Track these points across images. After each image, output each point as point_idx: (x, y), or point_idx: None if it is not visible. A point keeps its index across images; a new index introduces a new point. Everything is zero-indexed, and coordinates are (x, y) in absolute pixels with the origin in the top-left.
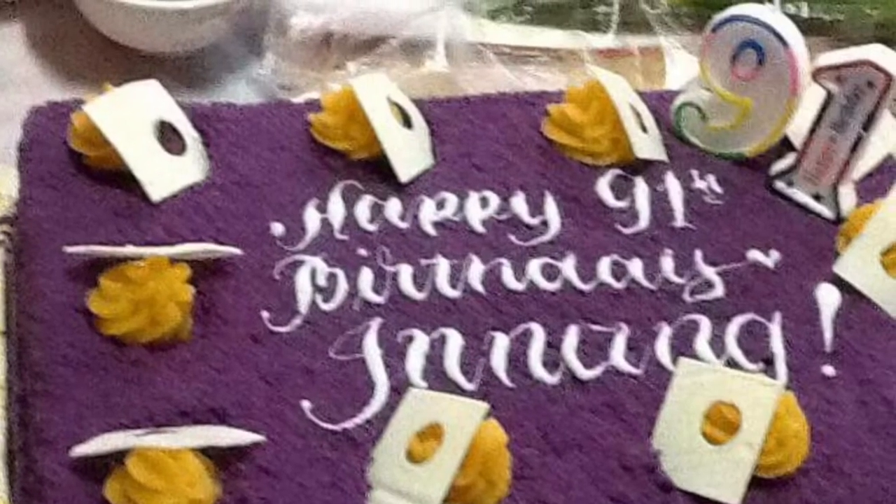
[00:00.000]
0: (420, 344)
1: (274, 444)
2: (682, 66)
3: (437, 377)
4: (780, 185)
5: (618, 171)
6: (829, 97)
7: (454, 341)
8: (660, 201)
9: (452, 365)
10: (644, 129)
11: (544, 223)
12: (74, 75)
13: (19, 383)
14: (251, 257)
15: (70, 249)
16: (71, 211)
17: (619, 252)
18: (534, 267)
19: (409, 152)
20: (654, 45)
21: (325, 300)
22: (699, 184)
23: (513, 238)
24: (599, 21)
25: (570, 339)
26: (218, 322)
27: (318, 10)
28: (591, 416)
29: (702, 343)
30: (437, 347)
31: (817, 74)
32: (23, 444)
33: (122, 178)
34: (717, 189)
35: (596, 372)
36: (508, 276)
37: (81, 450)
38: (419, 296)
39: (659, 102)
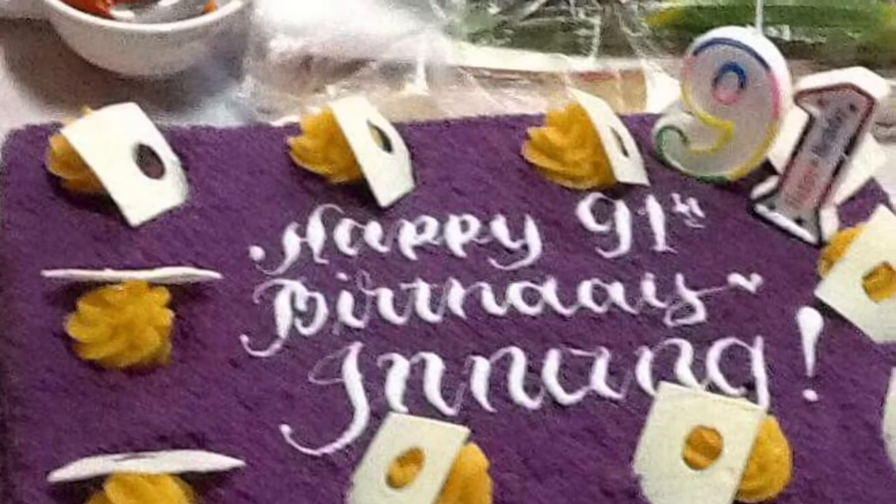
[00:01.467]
0: (400, 368)
1: (253, 469)
2: (664, 89)
3: (417, 402)
4: (761, 208)
5: (598, 195)
6: (811, 120)
7: (434, 366)
8: (641, 225)
9: (433, 389)
10: (625, 153)
11: (525, 247)
12: (53, 98)
13: None
14: (230, 281)
15: (48, 273)
16: (49, 235)
17: (599, 276)
18: (514, 291)
19: (388, 176)
20: (635, 69)
21: (305, 324)
22: (680, 207)
23: (493, 262)
24: (580, 44)
25: (551, 363)
26: (197, 346)
27: (298, 34)
28: (571, 440)
29: (683, 367)
30: (418, 372)
31: (799, 98)
32: (1, 468)
33: (100, 202)
34: (699, 213)
35: (577, 396)
36: (489, 301)
37: (60, 475)
38: (399, 320)
39: (640, 126)
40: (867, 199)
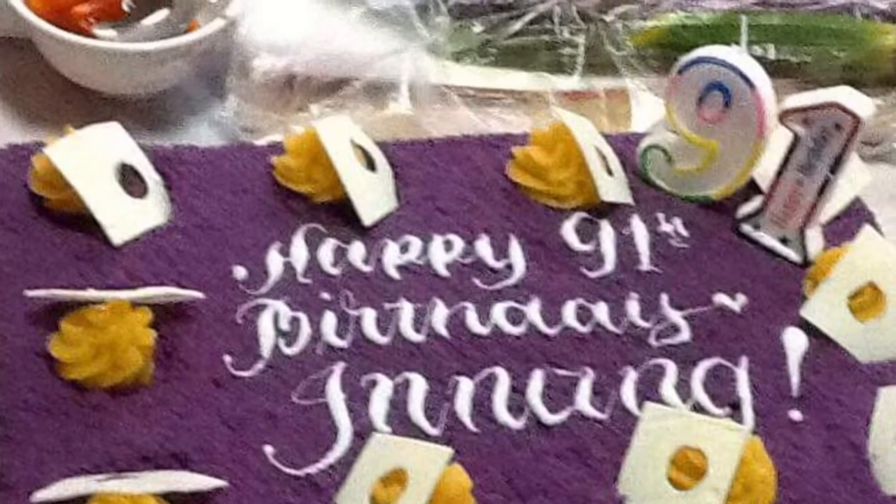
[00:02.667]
0: (384, 388)
1: (236, 489)
2: (648, 108)
3: (400, 422)
4: (746, 228)
5: (583, 215)
6: (796, 140)
7: (418, 386)
8: (625, 245)
9: (416, 409)
10: (610, 172)
11: (509, 267)
12: (35, 118)
13: None
14: (213, 301)
15: (31, 293)
16: (32, 254)
17: (584, 296)
18: (498, 311)
19: (372, 195)
20: (619, 88)
21: (288, 344)
22: (665, 227)
23: (477, 282)
24: (565, 63)
25: (535, 383)
26: (180, 366)
27: (281, 52)
28: (556, 461)
29: (668, 387)
30: (401, 392)
31: (784, 117)
32: None
33: (83, 222)
34: (684, 232)
35: (561, 417)
36: (473, 320)
37: (42, 495)
38: (383, 340)
39: (625, 145)
40: (852, 219)
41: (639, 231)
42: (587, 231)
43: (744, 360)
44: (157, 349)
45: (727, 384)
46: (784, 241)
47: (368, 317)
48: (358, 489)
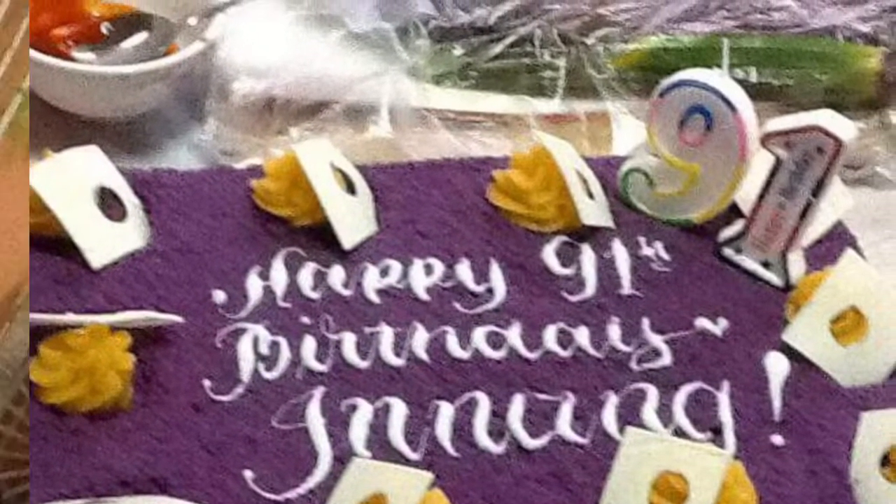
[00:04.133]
0: (364, 413)
1: None
2: (629, 131)
3: (381, 446)
4: (728, 252)
5: (564, 238)
6: (778, 163)
7: (398, 410)
8: (606, 268)
9: (396, 434)
10: (590, 196)
11: (489, 291)
12: None
13: None
14: (193, 325)
15: None
16: None
17: (565, 320)
18: (479, 335)
19: (352, 219)
20: (600, 111)
21: (268, 369)
22: (646, 251)
23: (458, 306)
24: (545, 86)
25: (516, 408)
26: (159, 391)
27: (261, 75)
28: (536, 486)
29: (649, 412)
30: (381, 416)
31: (766, 140)
32: None
33: (62, 245)
34: (665, 256)
35: (542, 441)
36: (453, 345)
37: None
38: (363, 364)
39: (606, 168)
40: (834, 243)
41: (620, 255)
42: (568, 255)
43: (725, 385)
44: (136, 373)
45: (709, 409)
46: (766, 264)
47: (348, 341)
48: None
